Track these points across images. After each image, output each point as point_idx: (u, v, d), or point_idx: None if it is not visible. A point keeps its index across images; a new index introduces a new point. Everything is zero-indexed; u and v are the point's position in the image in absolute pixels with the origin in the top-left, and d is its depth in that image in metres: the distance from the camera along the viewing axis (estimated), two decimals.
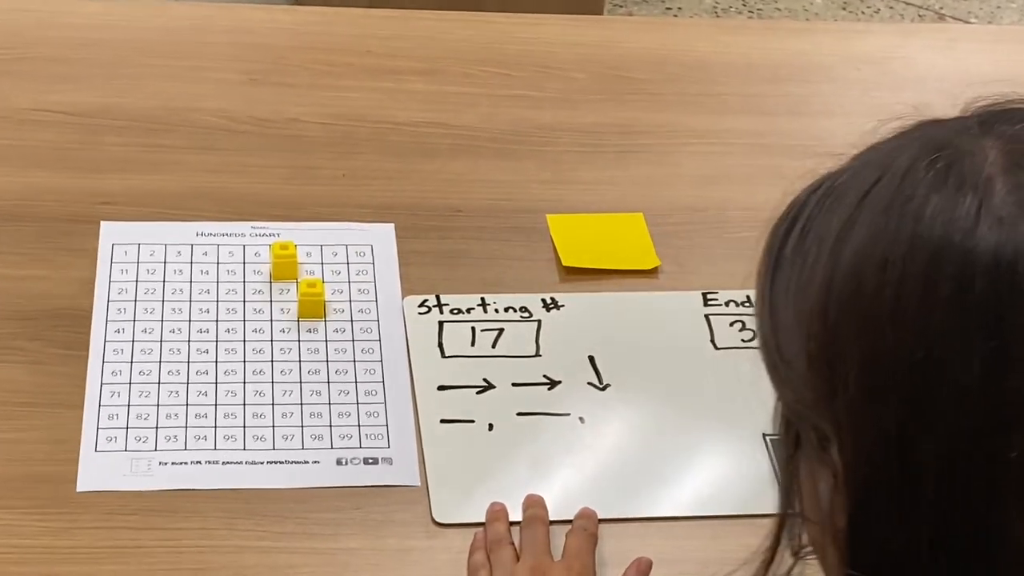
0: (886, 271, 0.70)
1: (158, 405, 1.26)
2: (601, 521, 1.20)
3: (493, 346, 1.34)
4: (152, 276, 1.37)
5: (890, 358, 0.70)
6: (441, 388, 1.30)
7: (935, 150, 0.73)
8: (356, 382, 1.29)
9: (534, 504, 1.20)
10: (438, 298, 1.38)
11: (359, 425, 1.26)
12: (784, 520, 0.82)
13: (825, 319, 0.73)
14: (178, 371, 1.29)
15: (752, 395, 1.27)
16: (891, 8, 3.34)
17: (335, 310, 1.36)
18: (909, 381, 0.70)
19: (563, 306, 1.38)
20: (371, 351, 1.32)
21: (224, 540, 1.16)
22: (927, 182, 0.72)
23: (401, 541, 1.18)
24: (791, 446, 0.79)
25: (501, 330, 1.36)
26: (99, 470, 1.20)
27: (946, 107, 0.81)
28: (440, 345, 1.34)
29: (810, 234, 0.76)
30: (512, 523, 1.19)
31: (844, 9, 3.33)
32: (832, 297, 0.73)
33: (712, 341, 1.37)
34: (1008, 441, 0.68)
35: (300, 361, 1.31)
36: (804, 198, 0.78)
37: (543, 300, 1.39)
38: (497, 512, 1.19)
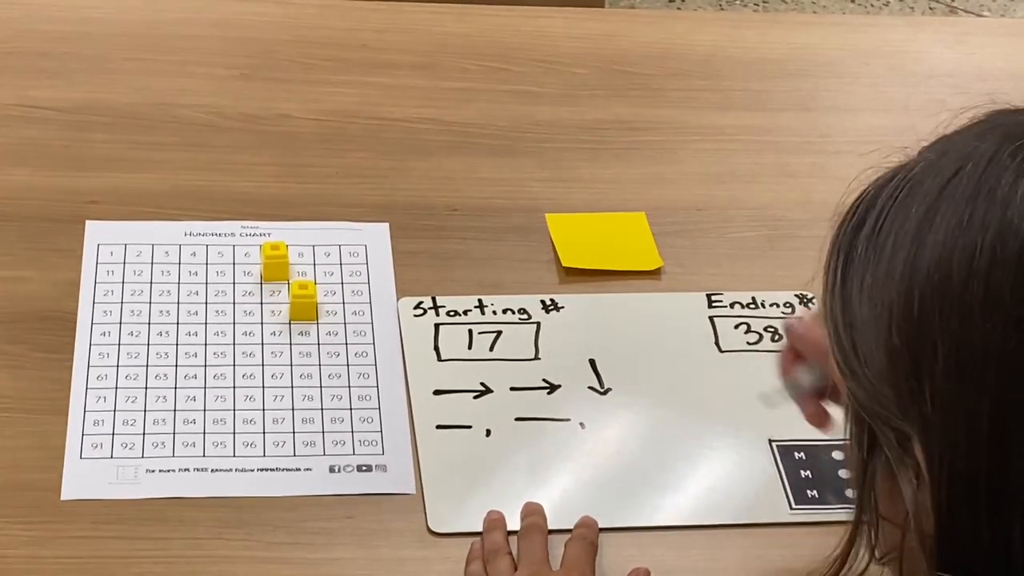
0: (975, 259, 0.71)
1: (145, 411, 1.25)
2: (601, 530, 1.18)
3: (491, 349, 1.33)
4: (139, 277, 1.36)
5: (981, 348, 0.70)
6: (437, 393, 1.28)
7: (1018, 138, 0.73)
8: (349, 387, 1.28)
9: (532, 512, 1.19)
10: (434, 300, 1.36)
11: (352, 431, 1.25)
12: (858, 526, 0.82)
13: (910, 311, 0.73)
14: (165, 375, 1.28)
15: (757, 400, 1.26)
16: (901, 0, 3.34)
17: (328, 312, 1.35)
18: (1001, 371, 0.70)
19: (563, 308, 1.37)
20: (365, 354, 1.31)
21: (214, 550, 1.15)
22: (1014, 169, 0.72)
23: (395, 551, 1.17)
24: (866, 449, 0.79)
25: (499, 332, 1.34)
26: (84, 478, 1.19)
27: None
28: (436, 348, 1.32)
29: (884, 227, 0.76)
30: (510, 532, 1.18)
31: (852, 2, 3.33)
32: (917, 288, 0.73)
33: (716, 344, 1.35)
34: None
35: (292, 365, 1.30)
36: (873, 192, 0.78)
37: (542, 302, 1.38)
38: (495, 521, 1.18)
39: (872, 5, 3.34)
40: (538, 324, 1.35)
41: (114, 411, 1.24)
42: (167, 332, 1.31)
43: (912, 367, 0.73)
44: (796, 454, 1.25)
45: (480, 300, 1.37)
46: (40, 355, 1.28)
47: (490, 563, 1.15)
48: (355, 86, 1.60)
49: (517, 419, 1.27)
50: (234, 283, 1.37)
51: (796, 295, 1.40)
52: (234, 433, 1.23)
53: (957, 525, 0.73)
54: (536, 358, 1.33)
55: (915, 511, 0.75)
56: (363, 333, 1.33)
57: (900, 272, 0.74)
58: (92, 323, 1.31)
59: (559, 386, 1.30)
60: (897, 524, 0.78)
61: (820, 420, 1.15)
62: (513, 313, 1.36)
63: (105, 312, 1.32)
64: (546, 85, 1.64)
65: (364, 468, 1.22)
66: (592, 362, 1.32)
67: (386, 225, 1.43)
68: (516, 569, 1.14)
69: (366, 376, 1.29)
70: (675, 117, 1.61)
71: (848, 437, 0.80)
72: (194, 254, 1.39)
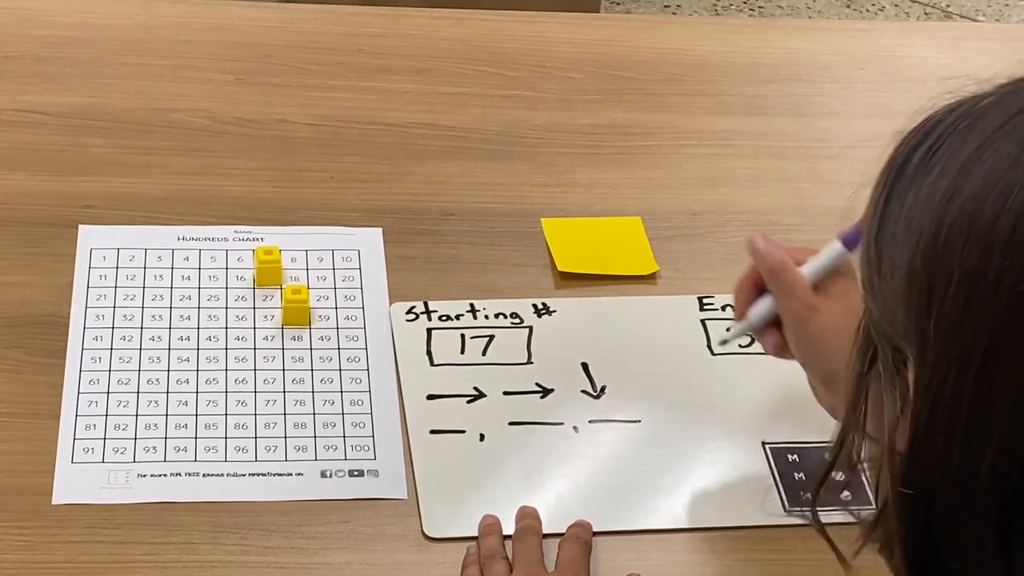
0: (1010, 198, 0.71)
1: (137, 415, 1.24)
2: (595, 533, 1.18)
3: (483, 354, 1.33)
4: (132, 282, 1.36)
5: (992, 284, 0.71)
6: (430, 397, 1.28)
7: None
8: (342, 391, 1.28)
9: (527, 516, 1.19)
10: (426, 305, 1.36)
11: (344, 436, 1.24)
12: (846, 436, 0.84)
13: (937, 236, 0.74)
14: (158, 380, 1.27)
15: (750, 402, 1.26)
16: (896, 6, 3.34)
17: (320, 317, 1.34)
18: (1006, 309, 0.71)
19: (555, 312, 1.37)
20: (357, 359, 1.31)
21: (209, 555, 1.15)
22: None
23: (391, 555, 1.16)
24: (866, 364, 0.80)
25: (491, 337, 1.34)
26: (75, 482, 1.19)
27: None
28: (429, 353, 1.32)
29: (940, 151, 0.76)
30: (505, 536, 1.17)
31: (848, 7, 3.33)
32: (950, 214, 0.73)
33: (708, 347, 1.35)
34: None
35: (284, 370, 1.29)
36: (940, 116, 0.79)
37: (534, 306, 1.37)
38: (490, 525, 1.18)
39: (867, 10, 3.34)
40: (530, 328, 1.35)
41: (106, 415, 1.23)
42: (159, 337, 1.31)
43: (926, 291, 0.74)
44: (790, 456, 1.24)
45: (472, 305, 1.36)
46: (34, 359, 1.28)
47: (486, 567, 1.14)
48: (351, 91, 1.60)
49: (510, 423, 1.27)
50: (227, 288, 1.36)
51: None
52: (226, 438, 1.23)
53: (929, 448, 0.74)
54: (529, 362, 1.32)
55: (892, 429, 0.77)
56: (356, 338, 1.32)
57: (939, 198, 0.74)
58: (84, 327, 1.30)
59: (552, 390, 1.30)
60: (877, 440, 0.80)
61: (783, 350, 1.16)
62: (505, 317, 1.36)
63: (98, 317, 1.32)
64: (542, 90, 1.63)
65: (356, 473, 1.21)
66: (585, 366, 1.32)
67: (379, 230, 1.43)
68: (512, 572, 1.14)
69: (358, 381, 1.29)
70: (671, 122, 1.61)
71: (852, 350, 0.82)
72: (187, 259, 1.38)
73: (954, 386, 0.73)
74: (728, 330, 1.22)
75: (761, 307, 1.18)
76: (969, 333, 0.72)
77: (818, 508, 0.91)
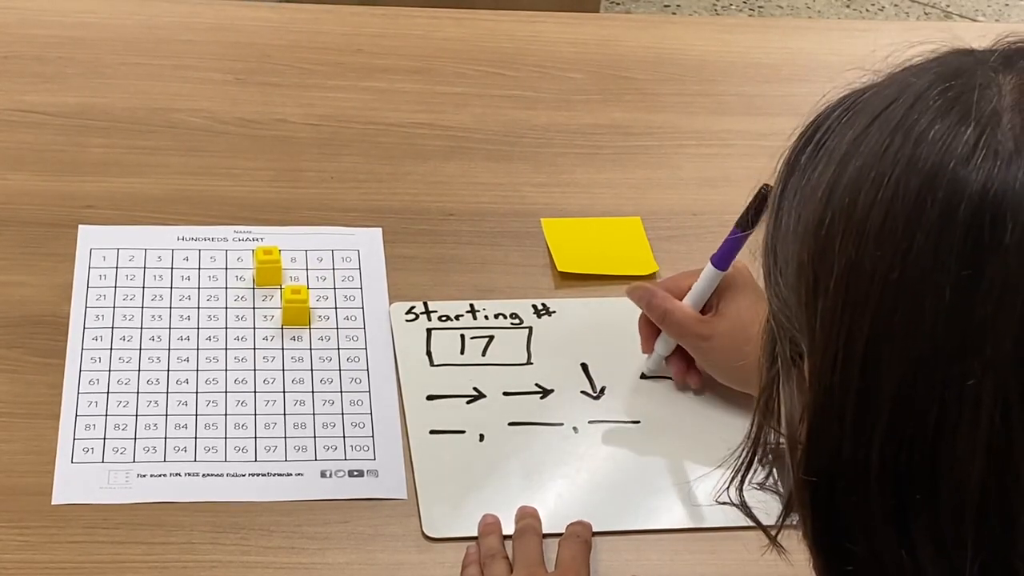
0: (881, 189, 0.73)
1: (136, 415, 1.24)
2: (595, 534, 1.18)
3: (483, 354, 1.33)
4: (131, 282, 1.36)
5: (868, 274, 0.73)
6: (430, 398, 1.28)
7: (950, 78, 0.75)
8: (341, 392, 1.28)
9: (527, 515, 1.19)
10: (426, 305, 1.36)
11: (344, 436, 1.24)
12: (760, 432, 0.86)
13: (820, 228, 0.75)
14: (157, 380, 1.27)
15: (750, 402, 1.26)
16: (896, 6, 3.34)
17: (320, 317, 1.34)
18: (882, 298, 0.73)
19: (554, 312, 1.37)
20: (357, 360, 1.30)
21: (208, 555, 1.15)
22: (935, 108, 0.74)
23: (391, 555, 1.16)
24: (772, 358, 0.82)
25: (491, 337, 1.34)
26: (75, 482, 1.19)
27: None
28: (428, 353, 1.32)
29: (824, 145, 0.78)
30: (505, 536, 1.17)
31: (848, 7, 3.33)
32: (830, 207, 0.75)
33: None
34: (967, 368, 0.71)
35: (284, 370, 1.29)
36: (829, 110, 0.81)
37: (534, 306, 1.37)
38: (490, 525, 1.18)
39: (867, 10, 3.34)
40: (530, 329, 1.35)
41: (106, 415, 1.23)
42: (159, 337, 1.30)
43: (812, 283, 0.76)
44: None
45: (472, 305, 1.36)
46: (35, 360, 1.28)
47: (486, 567, 1.14)
48: (351, 91, 1.60)
49: (510, 424, 1.26)
50: (226, 288, 1.36)
51: None
52: (225, 438, 1.23)
53: (824, 436, 0.76)
54: (529, 363, 1.32)
55: (792, 420, 0.79)
56: (355, 338, 1.32)
57: (822, 191, 0.76)
58: (84, 328, 1.30)
59: (552, 390, 1.30)
60: (783, 434, 0.82)
61: (689, 378, 1.28)
62: (505, 318, 1.35)
63: (97, 317, 1.32)
64: (542, 90, 1.63)
65: (355, 473, 1.21)
66: (584, 366, 1.32)
67: (379, 230, 1.43)
68: (512, 572, 1.14)
69: (358, 381, 1.28)
70: (670, 122, 1.61)
71: (760, 345, 0.84)
72: (187, 259, 1.38)
73: (841, 376, 0.74)
74: (643, 373, 1.32)
75: (664, 340, 1.29)
76: (851, 323, 0.74)
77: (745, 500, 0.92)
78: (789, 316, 0.79)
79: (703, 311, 1.27)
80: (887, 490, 0.74)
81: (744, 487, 0.90)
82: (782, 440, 0.82)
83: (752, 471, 0.88)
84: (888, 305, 0.72)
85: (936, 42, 0.80)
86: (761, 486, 0.89)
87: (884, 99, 0.77)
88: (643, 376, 1.31)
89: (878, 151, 0.74)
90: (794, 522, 0.83)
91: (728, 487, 0.90)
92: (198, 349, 1.30)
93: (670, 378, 1.31)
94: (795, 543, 0.86)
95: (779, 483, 0.87)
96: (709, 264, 1.26)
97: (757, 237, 0.84)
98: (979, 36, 0.85)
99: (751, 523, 1.19)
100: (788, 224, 0.79)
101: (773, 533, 0.87)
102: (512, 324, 1.35)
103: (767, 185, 1.20)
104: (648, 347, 1.30)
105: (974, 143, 0.72)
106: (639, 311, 1.30)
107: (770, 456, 0.87)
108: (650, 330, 1.30)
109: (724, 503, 1.04)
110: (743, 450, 0.88)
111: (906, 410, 0.73)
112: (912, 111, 0.75)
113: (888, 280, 0.72)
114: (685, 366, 1.29)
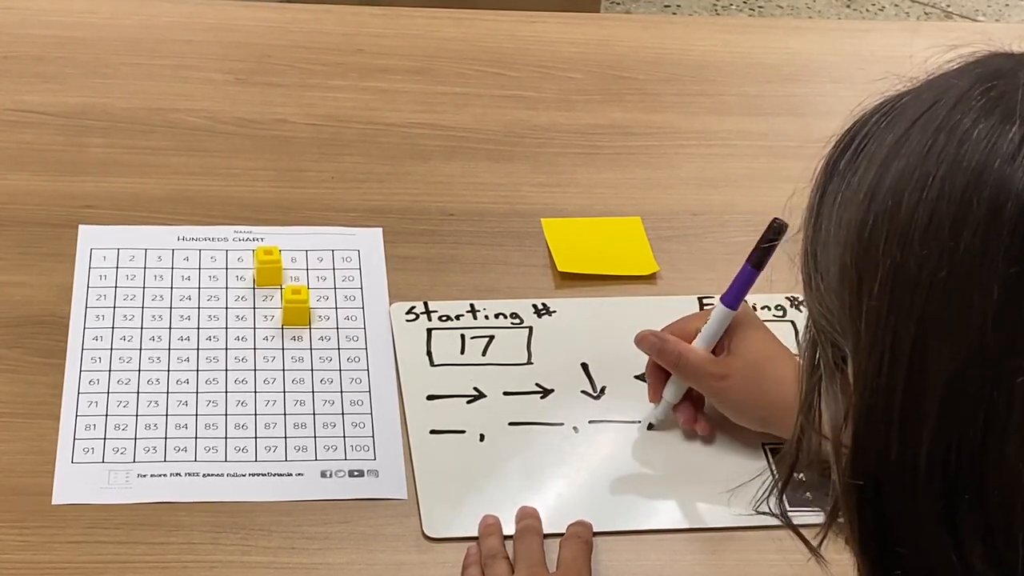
0: (925, 189, 0.73)
1: (137, 415, 1.24)
2: (596, 534, 1.18)
3: (483, 354, 1.33)
4: (131, 282, 1.36)
5: (914, 274, 0.73)
6: (430, 398, 1.28)
7: (992, 79, 0.76)
8: (342, 392, 1.28)
9: (528, 515, 1.19)
10: (426, 305, 1.36)
11: (344, 436, 1.24)
12: (802, 437, 0.86)
13: (863, 230, 0.76)
14: (158, 380, 1.27)
15: (645, 429, 1.26)
16: (896, 6, 3.34)
17: (320, 317, 1.34)
18: (928, 298, 0.73)
19: (555, 312, 1.37)
20: (357, 360, 1.30)
21: (209, 555, 1.15)
22: (978, 108, 0.75)
23: (392, 555, 1.16)
24: (813, 365, 0.82)
25: (491, 337, 1.34)
26: (75, 482, 1.19)
27: None
28: (429, 353, 1.32)
29: (864, 149, 0.79)
30: (506, 536, 1.17)
31: (848, 7, 3.33)
32: (873, 209, 0.76)
33: None
34: (1016, 366, 0.71)
35: (284, 370, 1.29)
36: (867, 116, 0.81)
37: (534, 306, 1.37)
38: (491, 526, 1.18)
39: (867, 10, 3.34)
40: (530, 329, 1.35)
41: (106, 416, 1.23)
42: (159, 337, 1.30)
43: (856, 286, 0.76)
44: None
45: (472, 305, 1.36)
46: (35, 360, 1.28)
47: (487, 567, 1.15)
48: (351, 91, 1.60)
49: (511, 424, 1.26)
50: (227, 288, 1.36)
51: (787, 297, 1.39)
52: (226, 438, 1.23)
53: (871, 439, 0.76)
54: (529, 363, 1.32)
55: (837, 425, 0.79)
56: (356, 338, 1.32)
57: (864, 193, 0.76)
58: (84, 328, 1.30)
59: (552, 390, 1.30)
60: (828, 439, 0.82)
61: (697, 425, 1.26)
62: (505, 318, 1.35)
63: (98, 317, 1.32)
64: (542, 90, 1.63)
65: (356, 473, 1.21)
66: (584, 366, 1.32)
67: (379, 230, 1.43)
68: (513, 572, 1.14)
69: (358, 381, 1.28)
70: (670, 122, 1.61)
71: (801, 352, 0.84)
72: (187, 259, 1.38)
73: (887, 377, 0.75)
74: (651, 423, 1.28)
75: (673, 387, 1.26)
76: (897, 324, 0.74)
77: (786, 509, 0.92)
78: (831, 321, 0.79)
79: (713, 352, 1.24)
80: (935, 491, 0.74)
81: (783, 496, 0.90)
82: (826, 447, 0.82)
83: (791, 480, 0.89)
84: (935, 305, 0.73)
85: (972, 44, 0.80)
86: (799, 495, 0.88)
87: (924, 102, 0.77)
88: (650, 427, 1.27)
89: (921, 151, 0.75)
90: (839, 531, 0.83)
91: (768, 496, 0.91)
92: (198, 349, 1.30)
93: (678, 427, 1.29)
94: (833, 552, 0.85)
95: (816, 492, 0.87)
96: (719, 304, 1.24)
97: (795, 245, 0.84)
98: (1018, 38, 0.85)
99: (751, 523, 1.20)
100: (829, 229, 0.79)
101: (815, 543, 0.87)
102: (512, 324, 1.35)
103: (778, 219, 1.21)
104: (655, 396, 1.27)
105: (1019, 141, 0.72)
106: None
107: (813, 463, 0.86)
108: (658, 377, 1.27)
109: (764, 513, 1.04)
110: (784, 459, 0.88)
111: (954, 409, 0.73)
112: (955, 111, 0.75)
113: (935, 279, 0.72)
114: (693, 414, 1.26)
